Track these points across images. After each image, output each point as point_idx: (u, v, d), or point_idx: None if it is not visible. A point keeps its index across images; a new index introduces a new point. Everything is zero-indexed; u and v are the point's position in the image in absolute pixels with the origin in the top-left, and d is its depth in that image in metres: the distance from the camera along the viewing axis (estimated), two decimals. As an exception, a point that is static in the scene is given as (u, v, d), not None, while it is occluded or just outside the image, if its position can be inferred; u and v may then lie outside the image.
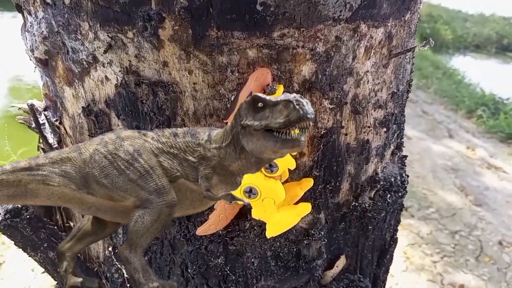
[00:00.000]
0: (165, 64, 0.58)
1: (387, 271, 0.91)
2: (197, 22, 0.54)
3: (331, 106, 0.62)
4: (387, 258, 0.88)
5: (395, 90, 0.69)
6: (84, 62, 0.62)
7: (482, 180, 3.79)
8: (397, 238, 0.88)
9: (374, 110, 0.67)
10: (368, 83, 0.64)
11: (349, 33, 0.57)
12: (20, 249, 0.79)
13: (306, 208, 0.59)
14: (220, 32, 0.54)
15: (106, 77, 0.63)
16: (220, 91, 0.59)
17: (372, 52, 0.62)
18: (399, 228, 0.92)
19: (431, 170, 3.69)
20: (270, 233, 0.60)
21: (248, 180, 0.56)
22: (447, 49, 7.49)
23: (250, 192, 0.57)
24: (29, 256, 0.80)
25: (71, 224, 0.85)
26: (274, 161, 0.55)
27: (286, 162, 0.55)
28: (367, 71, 0.63)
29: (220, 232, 0.67)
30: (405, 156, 0.85)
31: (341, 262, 0.79)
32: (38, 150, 0.81)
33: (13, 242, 0.79)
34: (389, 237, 0.87)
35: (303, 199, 0.64)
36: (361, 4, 0.55)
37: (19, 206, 0.74)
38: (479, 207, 3.43)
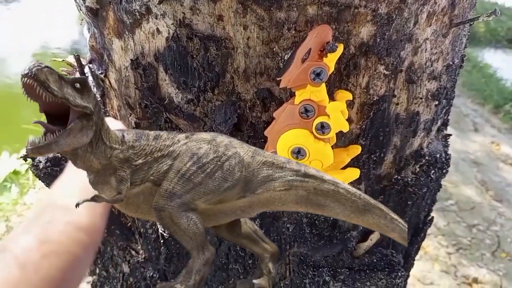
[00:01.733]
0: (220, 17, 0.57)
1: (418, 249, 0.90)
2: (258, -26, 0.52)
3: (386, 73, 0.60)
4: (421, 236, 0.86)
5: (450, 63, 0.67)
6: (137, 13, 0.62)
7: (505, 176, 3.72)
8: (433, 217, 0.87)
9: (428, 81, 0.65)
10: (425, 52, 0.62)
11: (414, -5, 0.55)
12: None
13: (354, 173, 0.58)
14: (281, -14, 0.53)
15: (157, 29, 0.62)
16: (274, 49, 0.58)
17: (434, 19, 0.59)
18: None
19: (453, 162, 3.62)
20: (314, 197, 0.59)
21: (297, 140, 0.55)
22: (479, 42, 7.27)
23: (299, 153, 0.56)
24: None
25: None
26: (327, 122, 0.54)
27: (339, 124, 0.54)
28: (427, 39, 0.60)
29: (260, 195, 0.67)
30: (449, 135, 0.83)
31: (375, 236, 0.78)
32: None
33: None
34: (423, 216, 0.86)
35: (346, 167, 0.63)
36: (431, -36, 0.53)
37: (59, 155, 0.75)
38: (499, 203, 3.37)
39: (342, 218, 0.42)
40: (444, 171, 0.76)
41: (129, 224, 0.84)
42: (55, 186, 0.41)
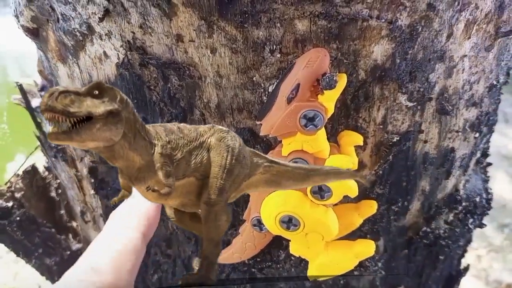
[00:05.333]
0: (179, 38, 0.42)
1: (451, 302, 0.73)
2: (224, -22, 0.37)
3: (409, 104, 0.44)
4: (454, 287, 0.70)
5: (494, 82, 0.50)
6: (78, 33, 0.47)
7: (538, 170, 3.49)
8: (468, 266, 0.71)
9: (466, 109, 0.49)
10: (463, 72, 0.45)
11: (447, 0, 0.39)
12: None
13: (367, 248, 0.42)
14: (257, -7, 0.37)
15: (104, 53, 0.47)
16: (254, 78, 0.42)
17: (475, 29, 0.43)
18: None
19: (482, 157, 3.42)
20: (312, 274, 0.44)
21: (287, 206, 0.40)
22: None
23: (290, 222, 0.41)
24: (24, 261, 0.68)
25: (74, 224, 0.72)
26: (328, 185, 0.38)
27: (343, 188, 0.38)
28: (464, 56, 0.44)
29: (246, 261, 0.52)
30: (489, 164, 0.66)
31: (397, 296, 0.63)
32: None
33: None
34: (456, 261, 0.70)
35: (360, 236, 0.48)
36: (473, -47, 0.36)
37: (9, 205, 0.62)
38: (533, 200, 3.15)
39: (293, 188, 0.42)
40: (484, 215, 0.59)
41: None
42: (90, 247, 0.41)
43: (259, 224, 0.44)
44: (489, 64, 0.48)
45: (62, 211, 0.75)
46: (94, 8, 0.44)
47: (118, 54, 0.46)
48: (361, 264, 0.55)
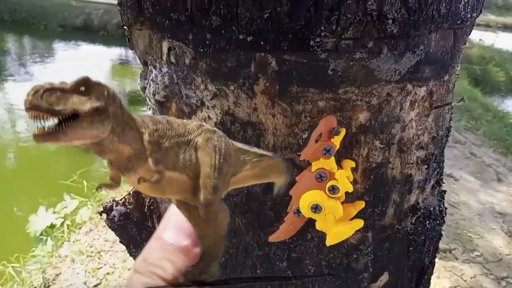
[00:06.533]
0: (255, 109, 0.78)
1: (424, 292, 1.03)
2: (282, 81, 0.74)
3: (381, 146, 0.79)
4: (425, 279, 1.01)
5: (435, 135, 0.85)
6: (194, 105, 0.84)
7: (531, 227, 3.71)
8: (434, 262, 1.01)
9: (417, 150, 0.83)
10: (412, 129, 0.81)
11: (398, 91, 0.75)
12: (124, 246, 0.99)
13: (359, 223, 0.76)
14: (299, 88, 0.74)
15: (208, 116, 0.83)
16: (295, 131, 0.78)
17: (416, 105, 0.79)
18: (442, 269, 1.05)
19: (478, 213, 3.67)
20: (329, 242, 0.77)
21: (315, 199, 0.74)
22: (499, 91, 7.40)
23: (316, 208, 0.74)
24: (128, 252, 1.01)
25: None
26: (337, 185, 0.73)
27: (345, 187, 0.72)
28: (412, 119, 0.80)
29: (286, 240, 0.85)
30: (444, 191, 0.99)
31: (384, 277, 0.93)
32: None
33: (117, 241, 1.00)
34: (427, 261, 1.01)
35: (353, 218, 0.81)
36: (408, 70, 0.73)
37: (128, 210, 0.95)
38: (527, 255, 3.35)
39: (275, 179, 0.55)
40: (438, 222, 0.92)
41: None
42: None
43: (298, 212, 0.77)
44: (429, 124, 0.84)
45: (150, 223, 1.08)
46: (207, 92, 0.81)
47: (217, 117, 0.83)
48: (357, 248, 0.88)
